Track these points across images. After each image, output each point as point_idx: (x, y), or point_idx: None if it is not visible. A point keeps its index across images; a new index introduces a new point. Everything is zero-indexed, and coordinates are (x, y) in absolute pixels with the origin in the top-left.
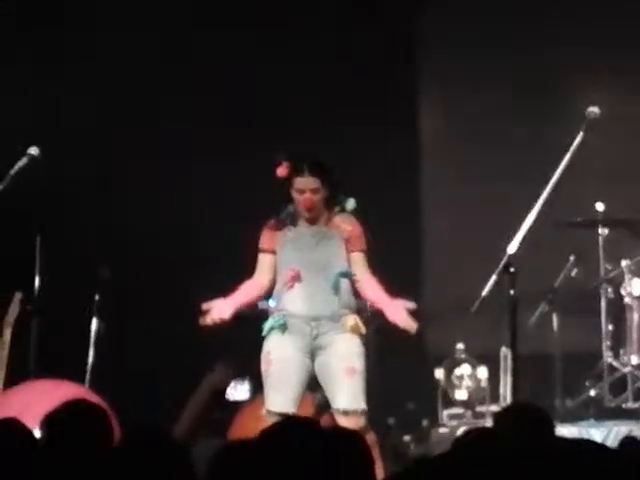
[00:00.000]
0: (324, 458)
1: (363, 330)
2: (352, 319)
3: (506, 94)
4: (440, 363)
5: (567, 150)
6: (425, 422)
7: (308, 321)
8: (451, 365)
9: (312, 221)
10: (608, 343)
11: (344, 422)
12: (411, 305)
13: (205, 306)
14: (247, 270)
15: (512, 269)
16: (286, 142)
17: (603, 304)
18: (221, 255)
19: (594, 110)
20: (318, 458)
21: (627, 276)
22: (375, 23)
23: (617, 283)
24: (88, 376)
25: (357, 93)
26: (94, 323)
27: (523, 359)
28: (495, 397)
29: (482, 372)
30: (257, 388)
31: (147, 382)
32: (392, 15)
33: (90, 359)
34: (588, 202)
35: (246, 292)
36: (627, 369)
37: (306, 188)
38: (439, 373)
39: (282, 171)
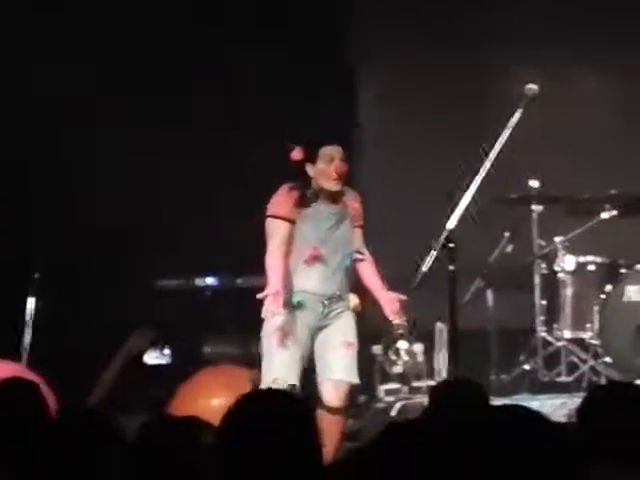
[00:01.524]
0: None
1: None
2: (354, 298)
3: (443, 75)
4: (378, 339)
5: (505, 127)
6: (362, 397)
7: (322, 299)
8: (388, 341)
9: (335, 196)
10: (542, 318)
11: (333, 393)
12: (403, 297)
13: (261, 296)
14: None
15: (451, 244)
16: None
17: (537, 280)
18: (157, 232)
19: (532, 87)
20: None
21: (560, 252)
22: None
23: (551, 259)
24: (25, 355)
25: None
26: (30, 302)
27: (460, 334)
28: (431, 372)
29: (418, 347)
30: (181, 356)
31: (85, 362)
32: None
33: (27, 338)
34: (522, 179)
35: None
36: (560, 343)
37: (335, 155)
38: (376, 349)
39: (297, 154)
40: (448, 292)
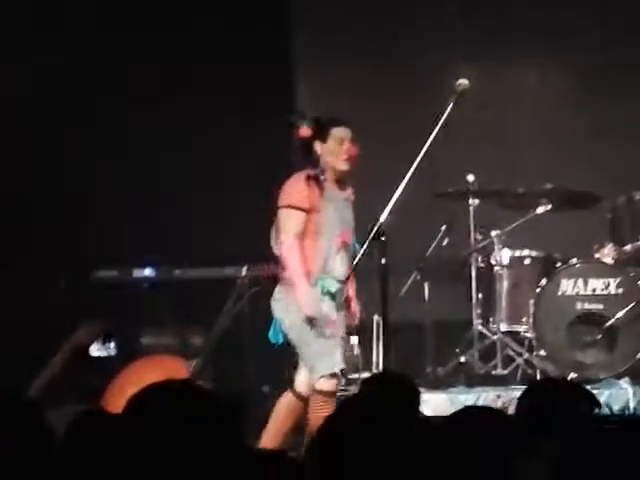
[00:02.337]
0: (196, 424)
1: None
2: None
3: (378, 71)
4: None
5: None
6: None
7: (342, 285)
8: None
9: (343, 180)
10: (478, 311)
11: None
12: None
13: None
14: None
15: (383, 237)
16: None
17: (473, 273)
18: (94, 225)
19: (463, 82)
20: (189, 424)
21: (497, 246)
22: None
23: (487, 253)
24: None
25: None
26: None
27: (395, 327)
28: (368, 365)
29: (354, 340)
30: (120, 347)
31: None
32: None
33: None
34: (459, 173)
35: None
36: (496, 336)
37: (346, 137)
38: None
39: (306, 131)
40: (380, 285)
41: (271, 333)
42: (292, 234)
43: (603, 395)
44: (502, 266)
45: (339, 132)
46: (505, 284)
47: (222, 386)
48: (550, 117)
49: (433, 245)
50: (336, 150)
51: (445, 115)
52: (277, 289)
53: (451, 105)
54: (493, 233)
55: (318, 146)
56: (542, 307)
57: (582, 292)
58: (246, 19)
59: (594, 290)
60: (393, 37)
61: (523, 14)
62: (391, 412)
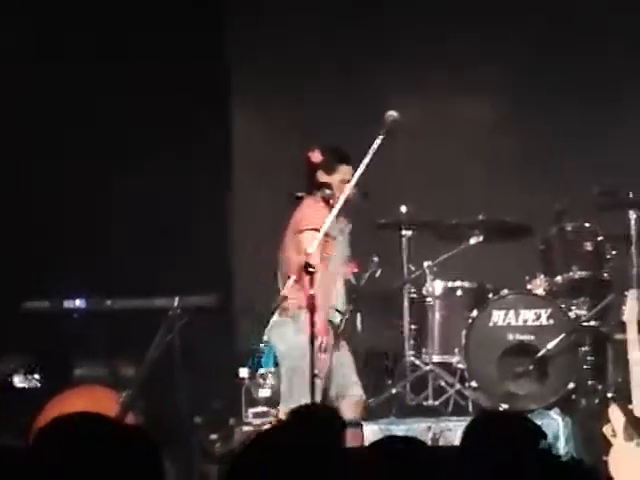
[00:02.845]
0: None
1: None
2: None
3: (313, 102)
4: (244, 362)
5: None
6: (231, 420)
7: (342, 316)
8: (255, 364)
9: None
10: (411, 342)
11: (353, 409)
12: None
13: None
14: None
15: (311, 269)
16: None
17: (406, 304)
18: (27, 255)
19: (393, 114)
20: (98, 456)
21: (429, 277)
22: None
23: (420, 284)
24: None
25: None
26: None
27: None
28: None
29: None
30: (51, 379)
31: None
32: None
33: None
34: (393, 204)
35: None
36: (428, 367)
37: (349, 178)
38: (243, 372)
39: (317, 156)
40: (308, 317)
41: (264, 360)
42: (318, 257)
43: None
44: (434, 297)
45: (346, 171)
46: (437, 315)
47: (153, 417)
48: (483, 149)
49: (366, 276)
50: (340, 188)
51: (375, 146)
52: (275, 318)
53: (381, 137)
54: (425, 264)
55: (322, 176)
56: (474, 338)
57: (513, 323)
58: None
59: (525, 321)
60: (328, 72)
61: (457, 46)
62: (310, 443)
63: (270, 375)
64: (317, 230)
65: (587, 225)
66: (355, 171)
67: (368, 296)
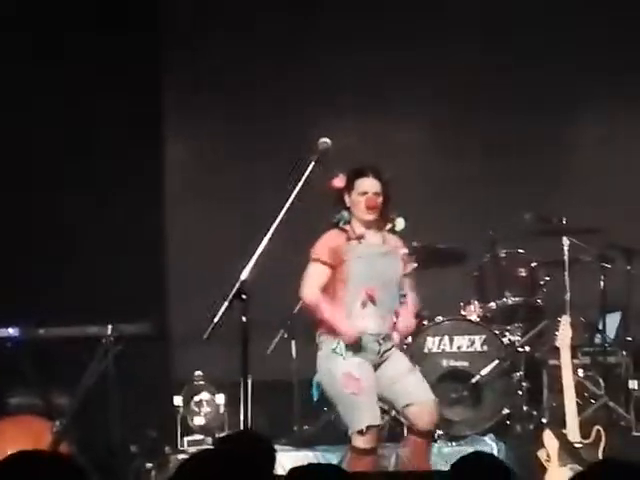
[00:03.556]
0: None
1: None
2: (395, 335)
3: (239, 124)
4: (179, 390)
5: (300, 179)
6: (167, 449)
7: (377, 339)
8: (190, 392)
9: (370, 225)
10: None
11: (423, 416)
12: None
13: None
14: None
15: (244, 295)
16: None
17: None
18: None
19: (325, 141)
20: None
21: None
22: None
23: None
24: None
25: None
26: None
27: (263, 386)
28: (235, 423)
29: (220, 399)
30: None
31: None
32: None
33: None
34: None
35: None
36: None
37: (370, 190)
38: (178, 400)
39: (339, 182)
40: (242, 343)
41: (312, 390)
42: (312, 285)
43: (468, 452)
44: None
45: (362, 184)
46: None
47: (87, 447)
48: (417, 176)
49: (301, 302)
50: (358, 202)
51: (307, 173)
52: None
53: (312, 163)
54: None
55: (347, 198)
56: None
57: (448, 349)
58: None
59: (459, 347)
60: (261, 97)
61: (392, 71)
62: (238, 469)
63: (205, 403)
64: (316, 260)
65: (520, 251)
66: (377, 181)
67: (303, 323)
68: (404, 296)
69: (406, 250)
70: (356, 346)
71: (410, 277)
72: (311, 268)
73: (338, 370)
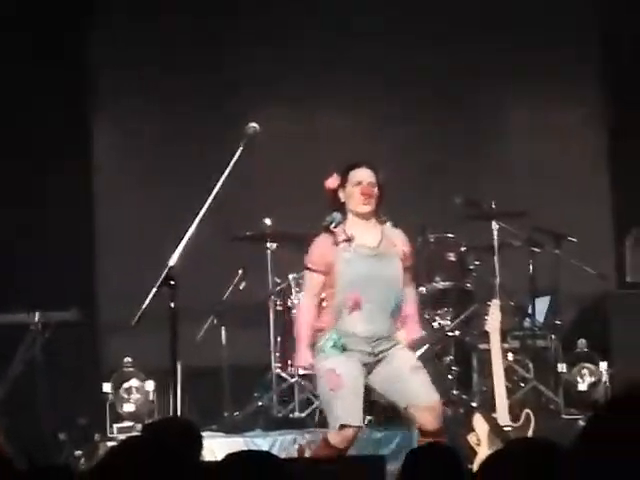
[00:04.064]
0: None
1: None
2: (402, 333)
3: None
4: (108, 377)
5: (227, 164)
6: (97, 436)
7: (368, 341)
8: (119, 379)
9: (366, 217)
10: (276, 354)
11: (426, 416)
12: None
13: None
14: None
15: (172, 281)
16: None
17: (271, 316)
18: None
19: (253, 126)
20: None
21: (294, 289)
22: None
23: (285, 296)
24: None
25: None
26: None
27: (193, 372)
28: (164, 410)
29: (150, 385)
30: None
31: None
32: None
33: None
34: (257, 217)
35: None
36: (294, 380)
37: (364, 180)
38: (107, 387)
39: (333, 182)
40: (169, 330)
41: None
42: (307, 294)
43: (397, 436)
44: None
45: (356, 174)
46: None
47: (15, 435)
48: (346, 163)
49: (230, 289)
50: (352, 192)
51: (235, 158)
52: None
53: (241, 148)
54: (290, 276)
55: (341, 193)
56: None
57: None
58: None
59: None
60: (201, 84)
61: (317, 61)
62: (163, 458)
63: (134, 390)
64: (307, 269)
65: (450, 236)
66: (372, 172)
67: (233, 309)
68: (410, 292)
69: (407, 247)
70: (344, 345)
71: (409, 271)
72: (305, 277)
73: (322, 366)
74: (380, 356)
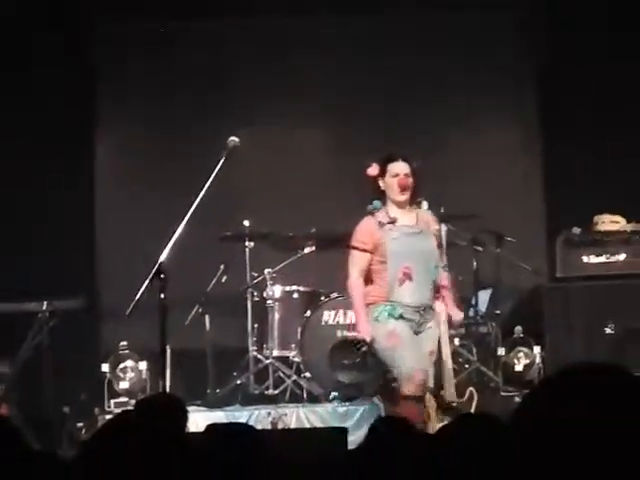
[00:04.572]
0: None
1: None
2: (441, 306)
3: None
4: (106, 358)
5: (211, 173)
6: (96, 410)
7: (418, 309)
8: (116, 360)
9: (403, 205)
10: (253, 339)
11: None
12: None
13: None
14: None
15: (162, 275)
16: None
17: (249, 306)
18: None
19: (234, 140)
20: None
21: (269, 282)
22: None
23: (261, 288)
24: None
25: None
26: None
27: (181, 354)
28: (155, 387)
29: (143, 365)
30: None
31: None
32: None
33: None
34: (237, 219)
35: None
36: (269, 361)
37: (401, 172)
38: (105, 367)
39: (373, 170)
40: (159, 318)
41: None
42: (355, 273)
43: (359, 411)
44: (274, 300)
45: (393, 167)
46: (276, 315)
47: (26, 408)
48: (316, 171)
49: (213, 282)
50: (391, 183)
51: (217, 168)
52: None
53: (223, 159)
54: (266, 271)
55: (381, 182)
56: (308, 335)
57: (342, 321)
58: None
59: (352, 320)
60: (182, 112)
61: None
62: (152, 429)
63: (129, 369)
64: (354, 248)
65: None
66: (407, 164)
67: (215, 299)
68: (445, 267)
69: (437, 226)
70: (400, 314)
71: (439, 248)
72: (351, 256)
73: (382, 332)
74: (423, 325)
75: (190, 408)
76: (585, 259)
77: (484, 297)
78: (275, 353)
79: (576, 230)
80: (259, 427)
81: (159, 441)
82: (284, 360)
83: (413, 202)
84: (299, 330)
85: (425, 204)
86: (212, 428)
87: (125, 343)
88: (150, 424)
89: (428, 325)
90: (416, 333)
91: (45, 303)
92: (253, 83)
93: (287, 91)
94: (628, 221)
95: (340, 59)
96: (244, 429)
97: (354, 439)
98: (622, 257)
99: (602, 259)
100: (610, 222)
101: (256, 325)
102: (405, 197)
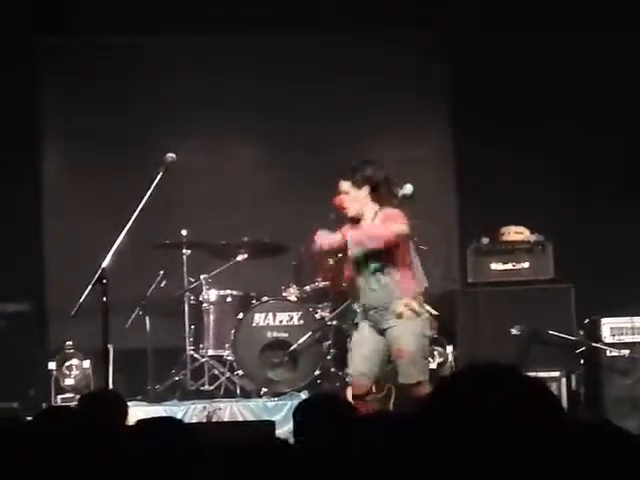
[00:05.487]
0: None
1: (411, 315)
2: (400, 305)
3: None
4: (53, 357)
5: (150, 186)
6: (44, 405)
7: (369, 310)
8: (62, 358)
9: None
10: (190, 339)
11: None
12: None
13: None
14: None
15: (105, 280)
16: None
17: (186, 309)
18: None
19: (171, 155)
20: None
21: (205, 287)
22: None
23: (197, 292)
24: None
25: None
26: None
27: (123, 353)
28: (99, 384)
29: (87, 364)
30: None
31: None
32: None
33: None
34: (175, 228)
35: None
36: (204, 359)
37: (340, 189)
38: (52, 365)
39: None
40: (102, 319)
41: None
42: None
43: (287, 405)
44: (209, 303)
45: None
46: (211, 317)
47: None
48: (249, 183)
49: (153, 286)
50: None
51: (156, 181)
52: None
53: (160, 174)
54: (202, 276)
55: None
56: (240, 335)
57: (272, 323)
58: None
59: (281, 322)
60: (120, 126)
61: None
62: (95, 422)
63: (74, 367)
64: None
65: None
66: (343, 181)
67: (155, 302)
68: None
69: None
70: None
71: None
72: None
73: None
74: (383, 325)
75: (131, 403)
76: (493, 266)
77: None
78: (210, 352)
79: (485, 240)
80: (195, 420)
81: (95, 432)
82: (219, 359)
83: (383, 205)
84: (232, 331)
85: (409, 186)
86: (141, 421)
87: (70, 343)
88: (92, 418)
89: (389, 322)
90: (379, 333)
91: None
92: (189, 98)
93: (222, 106)
94: (531, 232)
95: (272, 75)
96: (172, 422)
97: (282, 432)
98: (526, 265)
99: (508, 266)
100: (515, 233)
101: (193, 326)
102: (348, 215)
